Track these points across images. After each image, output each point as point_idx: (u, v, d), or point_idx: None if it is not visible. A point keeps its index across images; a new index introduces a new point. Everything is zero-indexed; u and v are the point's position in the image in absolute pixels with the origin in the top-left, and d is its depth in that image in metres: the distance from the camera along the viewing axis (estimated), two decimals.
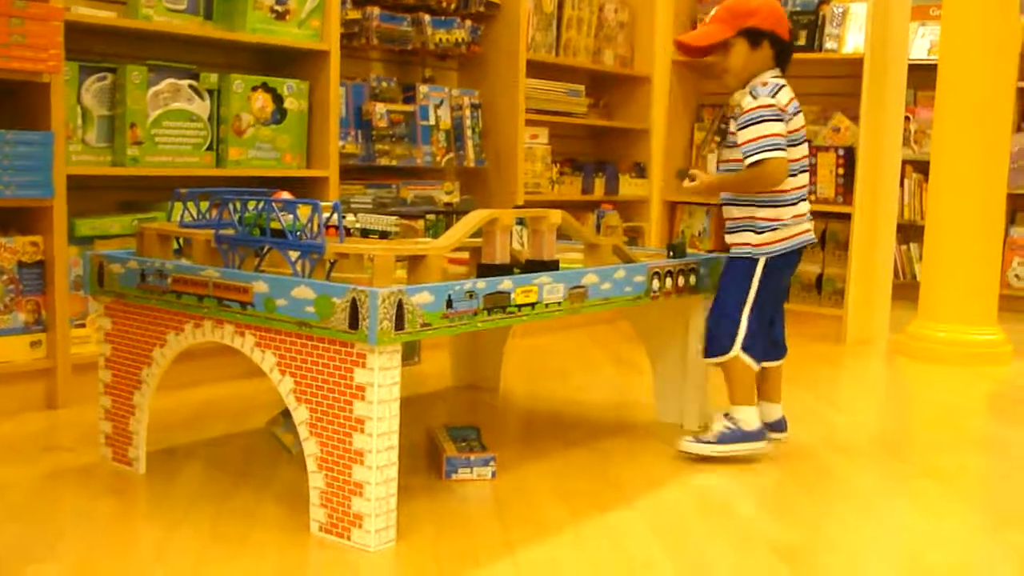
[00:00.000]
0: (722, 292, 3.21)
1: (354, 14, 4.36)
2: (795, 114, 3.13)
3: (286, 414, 2.78)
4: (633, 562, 2.34)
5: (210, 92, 3.88)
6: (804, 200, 3.19)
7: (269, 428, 2.99)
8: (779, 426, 3.36)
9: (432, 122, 4.73)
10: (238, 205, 2.61)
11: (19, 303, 3.40)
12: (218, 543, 2.36)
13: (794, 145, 3.12)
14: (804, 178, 3.18)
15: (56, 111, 3.38)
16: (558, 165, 5.54)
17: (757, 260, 3.14)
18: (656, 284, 3.08)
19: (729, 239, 3.23)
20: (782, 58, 3.19)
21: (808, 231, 3.21)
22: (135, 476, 2.81)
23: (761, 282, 3.15)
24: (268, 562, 2.27)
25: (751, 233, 3.15)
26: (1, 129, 3.28)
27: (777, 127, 3.05)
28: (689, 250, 3.41)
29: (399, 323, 2.26)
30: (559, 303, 2.71)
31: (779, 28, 3.15)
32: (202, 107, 3.86)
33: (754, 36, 3.13)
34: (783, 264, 3.20)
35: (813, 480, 3.01)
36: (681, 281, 3.18)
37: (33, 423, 3.32)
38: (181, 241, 2.86)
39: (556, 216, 2.78)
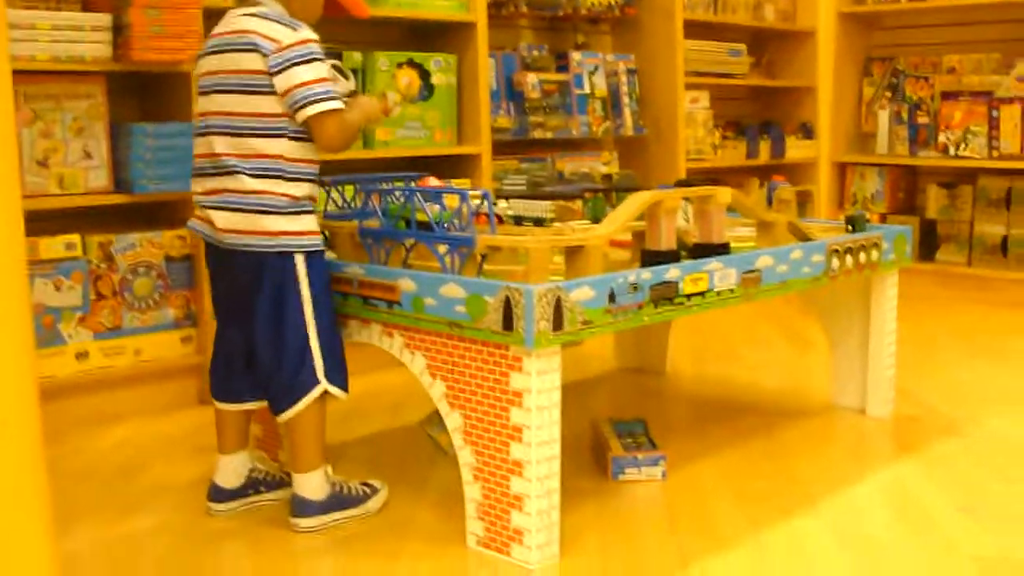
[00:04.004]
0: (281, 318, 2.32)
1: None
2: None
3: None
4: None
5: (354, 71, 3.72)
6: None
7: (423, 427, 2.84)
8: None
9: (587, 90, 4.51)
10: (381, 195, 2.45)
11: (168, 298, 3.31)
12: (371, 557, 2.22)
13: None
14: None
15: (196, 100, 3.26)
16: (720, 129, 5.26)
17: (294, 257, 2.33)
18: (836, 263, 2.81)
19: (234, 221, 2.31)
20: None
21: None
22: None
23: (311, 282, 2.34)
24: None
25: (281, 217, 2.32)
26: (141, 122, 3.19)
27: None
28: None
29: (557, 323, 2.06)
30: (731, 290, 2.48)
31: None
32: (347, 87, 3.70)
33: None
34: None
35: (1019, 473, 2.71)
36: (863, 257, 2.91)
37: (185, 420, 3.24)
38: (327, 233, 2.72)
39: (725, 195, 2.53)
